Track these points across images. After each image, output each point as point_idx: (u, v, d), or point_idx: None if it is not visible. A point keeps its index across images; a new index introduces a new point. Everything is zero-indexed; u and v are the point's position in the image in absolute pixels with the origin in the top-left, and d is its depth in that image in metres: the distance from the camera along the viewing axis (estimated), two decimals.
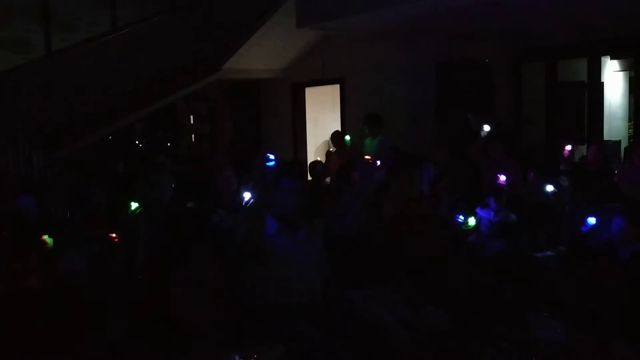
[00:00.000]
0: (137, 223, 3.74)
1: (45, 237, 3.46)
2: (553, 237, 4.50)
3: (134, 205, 3.83)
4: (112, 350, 2.47)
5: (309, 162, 8.39)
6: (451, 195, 4.94)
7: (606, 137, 8.53)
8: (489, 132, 6.35)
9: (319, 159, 8.03)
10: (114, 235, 3.72)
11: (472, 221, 4.30)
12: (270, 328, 2.83)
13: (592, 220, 4.37)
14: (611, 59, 8.77)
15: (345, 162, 5.85)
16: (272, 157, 6.10)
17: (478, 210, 4.84)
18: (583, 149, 7.71)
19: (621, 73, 9.16)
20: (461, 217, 4.24)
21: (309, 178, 6.55)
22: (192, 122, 9.46)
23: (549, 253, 4.36)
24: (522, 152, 7.01)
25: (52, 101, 6.55)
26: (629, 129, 8.91)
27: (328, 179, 6.44)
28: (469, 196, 5.16)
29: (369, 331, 2.94)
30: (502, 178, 5.32)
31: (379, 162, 6.17)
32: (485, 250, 4.62)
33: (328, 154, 7.65)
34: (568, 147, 6.25)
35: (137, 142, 8.73)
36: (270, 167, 5.76)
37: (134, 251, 3.55)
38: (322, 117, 9.17)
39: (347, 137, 7.15)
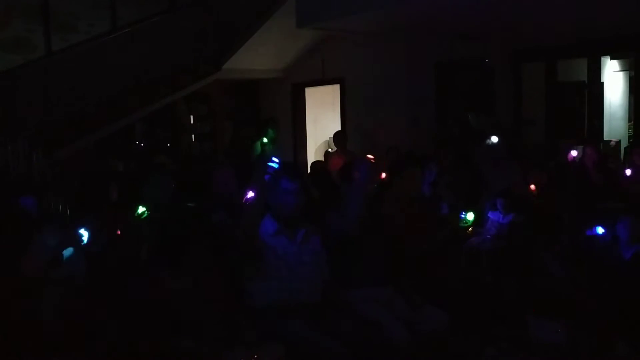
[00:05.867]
0: (141, 225, 3.75)
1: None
2: (553, 237, 4.50)
3: (141, 209, 3.85)
4: (111, 350, 2.47)
5: (309, 162, 8.40)
6: (452, 195, 4.95)
7: (606, 137, 8.54)
8: (494, 141, 6.29)
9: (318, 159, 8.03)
10: (118, 232, 3.74)
11: (470, 216, 4.31)
12: (270, 328, 2.83)
13: (600, 230, 4.31)
14: (611, 59, 8.76)
15: (347, 161, 5.85)
16: (276, 159, 6.11)
17: (489, 213, 4.85)
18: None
19: (621, 73, 9.16)
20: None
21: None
22: (192, 122, 9.46)
23: (548, 253, 4.36)
24: (522, 153, 7.01)
25: (52, 101, 6.55)
26: (629, 129, 8.91)
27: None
28: (469, 196, 5.17)
29: (369, 331, 2.94)
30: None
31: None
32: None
33: (326, 154, 7.65)
34: (574, 153, 6.11)
35: (137, 142, 8.72)
36: (272, 168, 5.77)
37: (135, 251, 3.55)
38: (322, 117, 9.18)
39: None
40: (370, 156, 6.23)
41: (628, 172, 5.75)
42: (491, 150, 6.10)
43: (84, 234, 3.24)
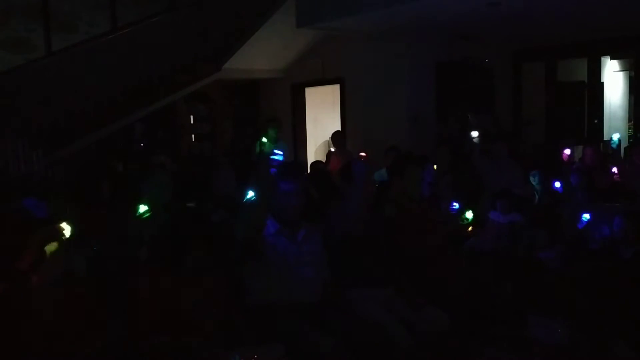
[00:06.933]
0: (142, 225, 3.74)
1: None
2: (553, 237, 4.51)
3: (143, 208, 3.82)
4: (112, 350, 2.47)
5: (309, 162, 8.40)
6: (452, 195, 4.95)
7: (606, 137, 8.53)
8: (479, 137, 6.36)
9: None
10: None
11: (469, 214, 4.31)
12: (270, 328, 2.83)
13: (586, 216, 4.44)
14: (611, 59, 8.78)
15: (347, 161, 5.85)
16: (279, 152, 6.08)
17: (489, 213, 4.86)
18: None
19: (621, 73, 9.17)
20: (456, 204, 4.24)
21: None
22: (192, 122, 9.46)
23: (548, 253, 4.37)
24: (522, 153, 7.01)
25: (52, 101, 6.54)
26: (629, 129, 8.91)
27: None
28: (470, 196, 5.17)
29: (369, 331, 2.94)
30: None
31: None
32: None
33: (328, 154, 7.66)
34: (567, 151, 6.23)
35: (137, 142, 8.72)
36: (277, 161, 5.75)
37: (135, 251, 3.55)
38: (322, 117, 9.18)
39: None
40: (362, 154, 6.25)
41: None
42: (494, 149, 6.12)
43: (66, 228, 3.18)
